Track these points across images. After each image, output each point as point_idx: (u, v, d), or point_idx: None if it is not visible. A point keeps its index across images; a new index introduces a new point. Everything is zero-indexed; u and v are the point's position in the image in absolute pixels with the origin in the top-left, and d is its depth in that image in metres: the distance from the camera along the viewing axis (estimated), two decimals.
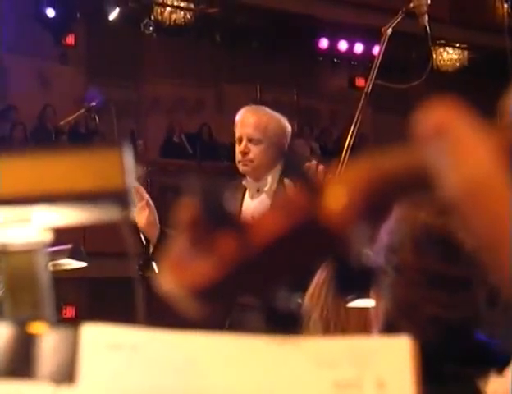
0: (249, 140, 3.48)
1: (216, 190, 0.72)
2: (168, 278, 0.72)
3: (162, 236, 3.26)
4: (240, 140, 3.52)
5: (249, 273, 0.73)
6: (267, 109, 3.70)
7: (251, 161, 3.47)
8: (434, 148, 0.73)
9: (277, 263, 0.74)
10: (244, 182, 3.51)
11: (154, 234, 3.29)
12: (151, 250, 3.28)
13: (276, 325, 0.65)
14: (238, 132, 3.56)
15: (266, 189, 3.49)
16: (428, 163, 0.73)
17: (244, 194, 3.50)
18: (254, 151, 3.47)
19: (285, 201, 0.74)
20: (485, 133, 0.74)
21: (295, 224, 0.73)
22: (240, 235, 0.71)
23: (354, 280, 0.73)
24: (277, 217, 0.73)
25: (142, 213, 3.24)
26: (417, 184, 0.77)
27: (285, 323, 0.66)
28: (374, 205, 0.75)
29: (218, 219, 0.70)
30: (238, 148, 3.52)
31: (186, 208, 0.72)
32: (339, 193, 0.73)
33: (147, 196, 3.32)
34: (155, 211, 3.34)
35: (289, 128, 3.65)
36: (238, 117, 3.61)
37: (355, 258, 0.72)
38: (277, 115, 3.65)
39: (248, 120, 3.55)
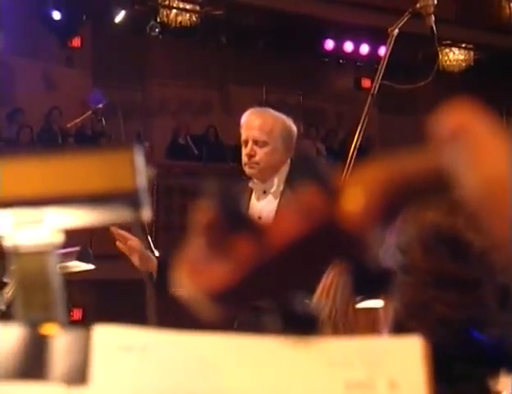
0: (255, 143, 3.49)
1: (233, 194, 0.72)
2: (185, 282, 0.72)
3: (162, 265, 3.30)
4: (246, 143, 3.52)
5: (266, 276, 0.73)
6: (272, 111, 3.71)
7: (257, 163, 3.47)
8: (452, 149, 0.73)
9: (295, 266, 0.74)
10: (250, 184, 3.52)
11: (152, 266, 3.35)
12: (154, 280, 3.32)
13: (294, 327, 0.65)
14: (243, 135, 3.57)
15: (272, 190, 3.49)
16: (446, 165, 0.73)
17: (250, 196, 3.51)
18: (260, 153, 3.47)
19: (302, 203, 0.73)
20: (502, 134, 0.74)
21: (313, 227, 0.72)
22: (258, 239, 0.71)
23: (371, 281, 0.73)
24: (295, 220, 0.73)
25: (133, 254, 3.32)
26: (434, 186, 0.76)
27: (303, 326, 0.65)
28: (391, 207, 0.75)
29: (236, 222, 0.70)
30: (244, 151, 3.53)
31: (204, 211, 0.72)
32: (356, 195, 0.73)
33: (129, 236, 3.39)
34: (143, 247, 3.39)
35: (294, 129, 3.65)
36: (243, 120, 3.62)
37: (372, 260, 0.72)
38: (282, 116, 3.65)
39: (253, 122, 3.55)
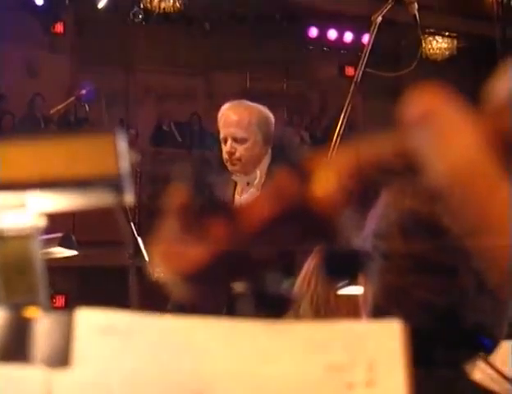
0: (234, 140, 3.50)
1: (207, 177, 0.72)
2: (160, 264, 0.73)
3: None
4: (225, 140, 3.53)
5: (239, 258, 0.74)
6: (247, 102, 3.70)
7: (239, 159, 3.48)
8: (420, 134, 0.74)
9: (267, 248, 0.75)
10: (233, 177, 3.53)
11: None
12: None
13: (267, 308, 0.66)
14: (222, 133, 3.58)
15: (255, 182, 3.50)
16: (415, 148, 0.74)
17: (234, 189, 3.52)
18: (240, 150, 3.48)
19: (275, 187, 0.74)
20: (471, 119, 0.74)
21: (285, 209, 0.73)
22: (231, 221, 0.72)
23: (343, 265, 0.74)
24: (267, 203, 0.74)
25: None
26: (404, 168, 0.77)
27: (276, 306, 0.66)
28: (362, 190, 0.76)
29: (209, 204, 0.71)
30: (224, 148, 3.53)
31: (177, 193, 0.72)
32: (327, 178, 0.74)
33: None
34: None
35: (271, 117, 3.66)
36: (220, 116, 3.63)
37: (344, 243, 0.73)
38: (258, 106, 3.66)
39: (230, 119, 3.56)
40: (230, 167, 3.54)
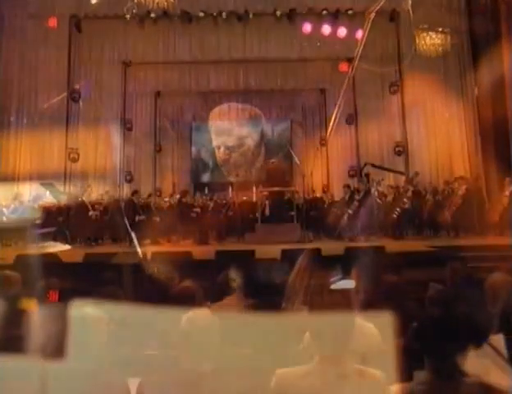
0: (227, 147, 3.54)
1: (202, 175, 0.73)
2: (153, 253, 0.73)
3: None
4: (219, 148, 3.58)
5: (233, 248, 0.74)
6: (237, 105, 3.73)
7: (234, 165, 3.52)
8: (413, 123, 0.75)
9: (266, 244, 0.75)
10: (229, 178, 3.56)
11: None
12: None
13: (262, 299, 0.67)
14: (214, 141, 3.63)
15: (252, 182, 3.53)
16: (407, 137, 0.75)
17: (232, 189, 3.54)
18: (235, 156, 3.53)
19: (267, 179, 0.75)
20: (461, 110, 0.76)
21: (276, 201, 0.74)
22: (225, 210, 0.73)
23: (336, 260, 0.75)
24: (258, 194, 0.74)
25: None
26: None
27: (270, 296, 0.67)
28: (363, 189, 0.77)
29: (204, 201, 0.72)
30: (218, 154, 3.57)
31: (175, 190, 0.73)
32: (328, 175, 0.75)
33: None
34: None
35: (262, 116, 3.69)
36: (210, 124, 3.67)
37: (341, 238, 0.74)
38: (248, 108, 3.69)
39: (221, 127, 3.60)
40: (225, 172, 3.59)
